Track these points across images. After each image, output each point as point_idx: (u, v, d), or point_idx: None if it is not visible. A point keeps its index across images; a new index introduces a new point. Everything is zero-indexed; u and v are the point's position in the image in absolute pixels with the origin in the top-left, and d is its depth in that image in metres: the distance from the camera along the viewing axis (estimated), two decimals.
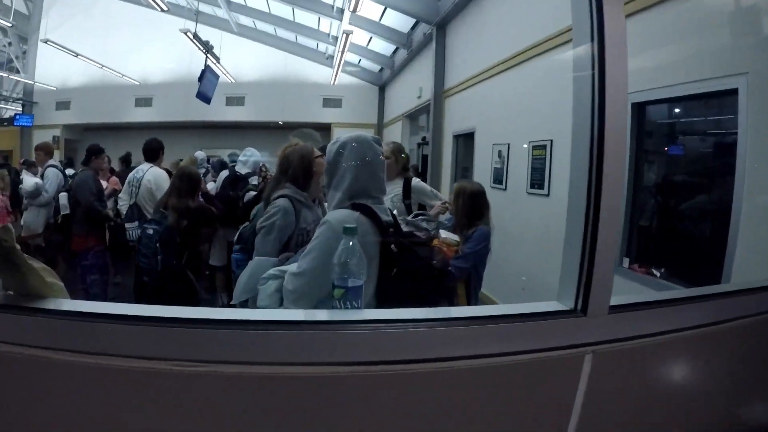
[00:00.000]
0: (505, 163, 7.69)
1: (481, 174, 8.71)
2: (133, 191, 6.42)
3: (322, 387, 1.50)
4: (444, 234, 4.26)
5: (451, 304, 3.19)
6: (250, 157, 6.99)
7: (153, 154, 6.73)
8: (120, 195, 6.74)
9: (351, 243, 1.70)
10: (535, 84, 6.86)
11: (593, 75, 1.61)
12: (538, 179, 6.61)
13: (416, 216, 4.89)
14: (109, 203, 7.08)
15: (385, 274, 2.43)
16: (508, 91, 7.84)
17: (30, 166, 8.31)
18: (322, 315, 1.68)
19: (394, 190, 4.87)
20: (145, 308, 1.57)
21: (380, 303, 2.39)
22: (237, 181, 6.74)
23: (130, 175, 6.65)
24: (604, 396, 1.71)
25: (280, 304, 2.39)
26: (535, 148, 6.67)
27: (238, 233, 3.91)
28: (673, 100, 4.69)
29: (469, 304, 4.04)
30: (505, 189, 7.70)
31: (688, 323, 1.82)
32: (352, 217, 2.41)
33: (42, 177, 7.51)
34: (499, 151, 7.88)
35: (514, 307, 1.69)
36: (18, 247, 1.56)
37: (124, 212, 6.44)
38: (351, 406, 1.53)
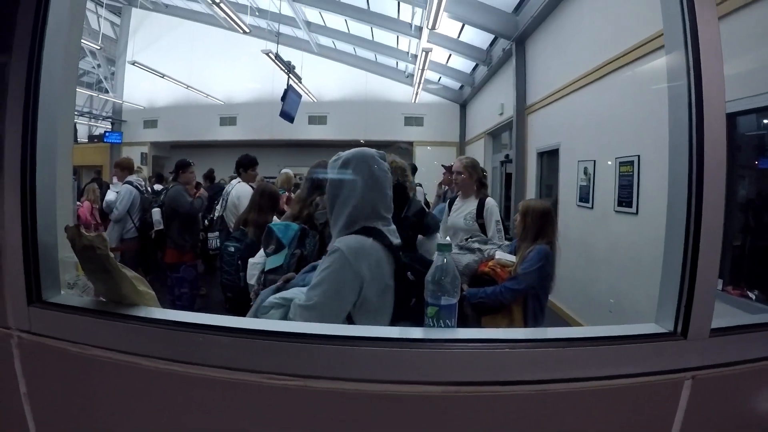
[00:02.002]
0: (592, 180, 7.43)
1: (567, 192, 8.49)
2: (222, 204, 6.68)
3: (413, 406, 1.47)
4: (499, 254, 4.10)
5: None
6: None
7: (239, 168, 7.09)
8: (216, 207, 7.10)
9: (445, 260, 1.62)
10: (621, 97, 6.63)
11: (688, 84, 1.50)
12: (625, 197, 6.34)
13: (469, 239, 4.78)
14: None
15: (402, 303, 2.27)
16: (592, 106, 7.60)
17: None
18: (416, 333, 1.61)
19: (467, 208, 4.74)
20: (236, 320, 1.61)
21: None
22: None
23: (226, 188, 7.08)
24: (704, 424, 1.58)
25: None
26: (621, 164, 6.41)
27: (310, 256, 3.84)
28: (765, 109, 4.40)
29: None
30: (592, 207, 7.44)
31: None
32: (365, 244, 2.25)
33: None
34: (585, 168, 7.62)
35: (610, 329, 1.60)
36: (112, 255, 1.64)
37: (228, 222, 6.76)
38: (441, 427, 1.48)
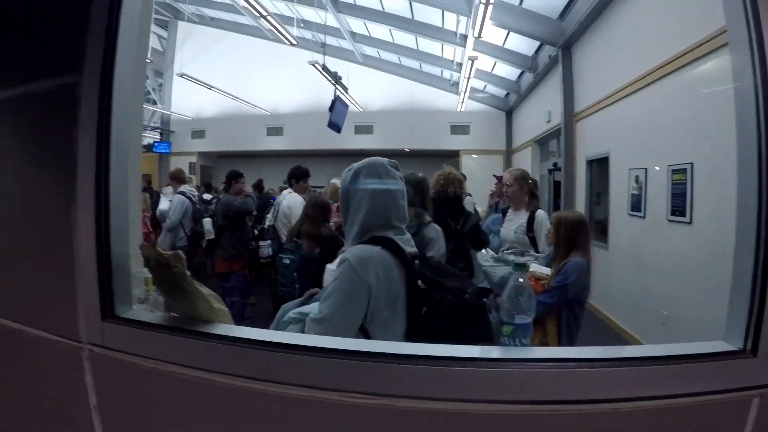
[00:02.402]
0: (643, 188, 7.27)
1: (618, 200, 8.34)
2: (273, 213, 6.87)
3: (495, 425, 1.47)
4: (534, 267, 4.01)
5: (490, 342, 2.62)
6: None
7: (291, 179, 7.22)
8: (267, 216, 7.20)
9: (521, 279, 1.62)
10: (673, 103, 6.46)
11: (755, 86, 1.44)
12: (679, 206, 6.17)
13: (507, 250, 4.70)
14: (249, 224, 7.60)
15: (413, 313, 2.27)
16: (642, 112, 7.44)
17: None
18: (495, 352, 1.62)
19: (518, 220, 4.67)
20: (316, 339, 1.68)
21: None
22: None
23: (278, 198, 7.26)
24: None
25: None
26: (674, 172, 6.24)
27: None
28: None
29: (560, 344, 3.73)
30: (644, 217, 7.27)
31: None
32: (373, 253, 2.25)
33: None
34: (636, 176, 7.46)
35: (679, 347, 1.55)
36: (188, 273, 1.65)
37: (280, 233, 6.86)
38: None
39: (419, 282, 2.28)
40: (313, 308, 2.31)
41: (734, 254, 1.55)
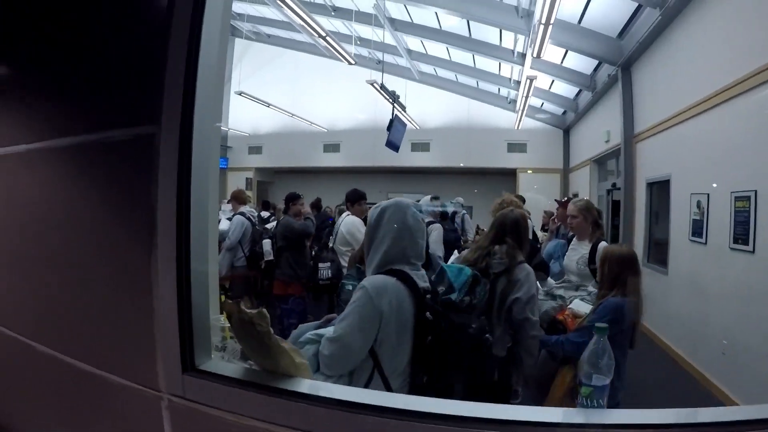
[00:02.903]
0: (705, 214, 7.08)
1: (679, 225, 8.14)
2: (333, 235, 7.01)
3: None
4: (575, 304, 3.91)
5: (490, 375, 3.12)
6: (426, 208, 7.12)
7: (347, 202, 7.20)
8: (332, 237, 7.32)
9: (602, 340, 1.64)
10: (736, 127, 6.31)
11: None
12: (741, 233, 6.01)
13: (559, 283, 4.61)
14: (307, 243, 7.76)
15: (419, 342, 2.51)
16: (706, 135, 7.27)
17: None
18: (578, 417, 1.58)
19: (581, 251, 4.60)
20: (415, 401, 1.57)
21: (415, 372, 2.52)
22: None
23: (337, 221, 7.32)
24: None
25: (317, 370, 2.39)
26: (737, 199, 6.07)
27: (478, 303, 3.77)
28: None
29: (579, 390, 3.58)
30: (705, 243, 7.08)
31: None
32: (388, 283, 2.51)
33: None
34: (698, 201, 7.28)
35: (757, 410, 1.50)
36: (272, 331, 1.66)
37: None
38: None
39: (427, 313, 2.52)
40: (328, 331, 2.51)
41: None
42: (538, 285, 4.40)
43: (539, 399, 3.90)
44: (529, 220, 6.26)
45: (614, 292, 3.64)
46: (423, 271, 2.71)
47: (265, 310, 1.65)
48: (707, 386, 6.66)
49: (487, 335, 2.78)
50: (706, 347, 6.85)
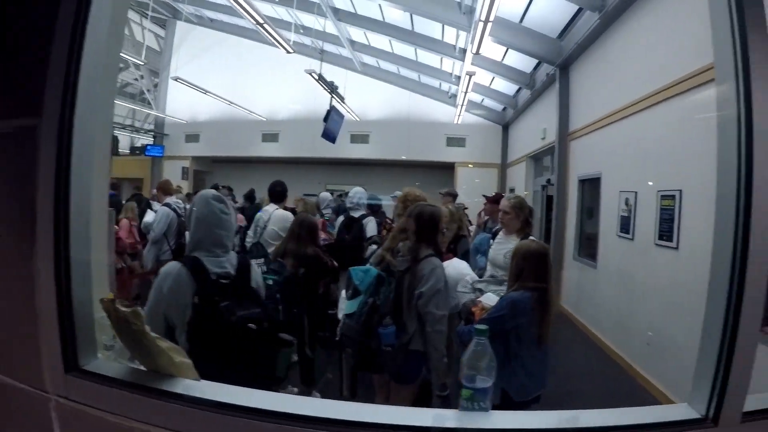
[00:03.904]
0: (633, 211, 7.36)
1: (608, 221, 8.43)
2: (258, 231, 6.65)
3: None
4: (485, 297, 3.97)
5: (270, 366, 3.03)
6: (359, 200, 7.05)
7: (279, 196, 7.04)
8: (249, 233, 7.08)
9: (482, 341, 1.63)
10: (665, 129, 6.54)
11: (738, 119, 1.46)
12: (666, 231, 6.26)
13: (482, 279, 4.71)
14: (235, 239, 7.38)
15: (199, 327, 2.72)
16: (635, 136, 7.53)
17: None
18: (450, 420, 1.60)
19: (509, 245, 4.71)
20: (284, 403, 1.58)
21: (193, 356, 2.36)
22: (351, 225, 6.82)
23: (258, 214, 7.01)
24: None
25: None
26: (663, 197, 6.33)
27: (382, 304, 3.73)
28: None
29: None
30: (632, 239, 7.36)
31: None
32: (172, 268, 2.85)
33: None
34: (626, 199, 7.55)
35: (643, 413, 1.55)
36: (148, 329, 1.65)
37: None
38: None
39: (195, 298, 2.75)
40: None
41: (704, 320, 1.57)
42: (468, 279, 4.51)
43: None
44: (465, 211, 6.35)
45: (516, 286, 3.68)
46: (225, 258, 2.94)
47: (140, 309, 1.64)
48: (634, 376, 6.91)
49: (250, 324, 2.79)
50: (633, 338, 7.10)
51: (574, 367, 7.53)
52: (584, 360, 8.01)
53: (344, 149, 19.56)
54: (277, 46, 12.95)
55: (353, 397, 4.04)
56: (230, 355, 2.73)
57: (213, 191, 3.16)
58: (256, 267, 3.34)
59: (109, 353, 1.86)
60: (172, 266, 2.90)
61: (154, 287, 2.87)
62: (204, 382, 1.71)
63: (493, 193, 7.55)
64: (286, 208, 7.17)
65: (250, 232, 7.02)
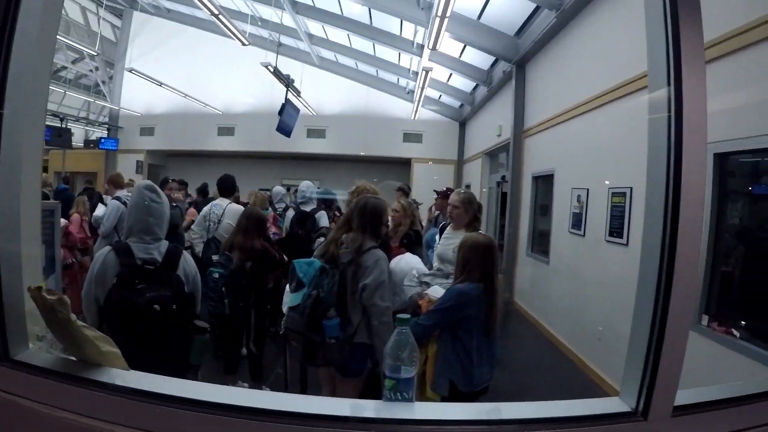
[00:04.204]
0: (584, 208, 7.46)
1: (560, 217, 8.55)
2: (211, 226, 6.51)
3: None
4: (432, 290, 4.00)
5: (183, 351, 3.16)
6: (310, 194, 7.02)
7: (228, 190, 6.90)
8: (192, 227, 6.83)
9: (404, 331, 1.62)
10: (617, 128, 6.66)
11: (668, 129, 1.48)
12: (617, 227, 6.37)
13: (434, 270, 4.74)
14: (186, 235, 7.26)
15: (111, 307, 2.96)
16: (588, 134, 7.64)
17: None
18: (369, 410, 1.59)
19: (458, 240, 4.73)
20: (201, 392, 1.56)
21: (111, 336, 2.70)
22: (304, 220, 6.77)
23: (206, 209, 6.85)
24: None
25: None
26: (614, 195, 6.43)
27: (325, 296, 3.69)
28: (758, 151, 4.39)
29: (435, 369, 3.69)
30: (584, 235, 7.46)
31: (764, 421, 1.63)
32: (103, 252, 3.18)
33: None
34: (579, 196, 7.66)
35: (572, 406, 1.55)
36: (74, 318, 1.62)
37: (196, 245, 6.62)
38: None
39: (114, 279, 3.00)
40: None
41: (633, 315, 1.60)
42: (415, 272, 4.51)
43: None
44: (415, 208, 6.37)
45: (462, 277, 3.71)
46: (154, 245, 3.21)
47: (66, 297, 1.61)
48: (586, 371, 7.01)
49: (155, 306, 2.95)
50: (584, 333, 7.20)
51: (526, 361, 7.61)
52: (536, 355, 8.10)
53: (301, 144, 19.49)
54: (233, 38, 12.81)
55: (303, 391, 4.03)
56: (141, 336, 2.87)
57: (147, 181, 3.41)
58: (190, 258, 3.49)
59: (41, 344, 1.83)
60: (104, 251, 3.20)
61: (89, 270, 3.18)
62: (132, 372, 1.70)
63: (444, 189, 7.58)
64: (239, 202, 7.09)
65: (195, 227, 6.88)
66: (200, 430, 1.44)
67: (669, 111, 1.46)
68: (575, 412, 1.51)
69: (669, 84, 1.47)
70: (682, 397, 1.54)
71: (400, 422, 1.47)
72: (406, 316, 1.66)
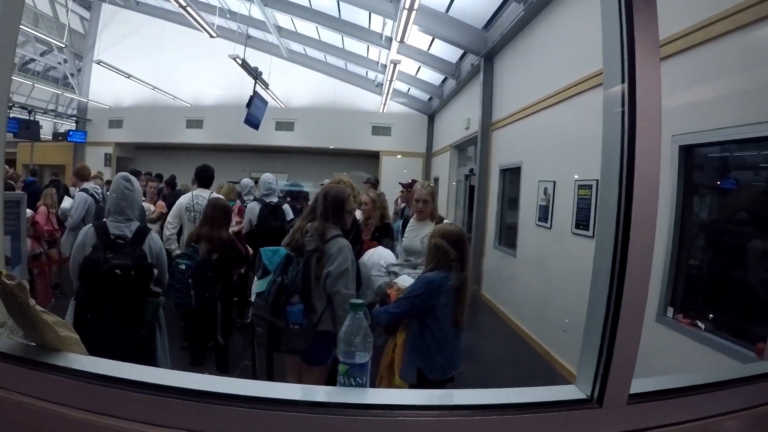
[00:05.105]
0: (551, 200, 7.52)
1: (527, 210, 8.61)
2: (195, 217, 6.41)
3: None
4: (401, 279, 4.06)
5: (139, 309, 3.92)
6: (271, 186, 7.02)
7: (207, 181, 6.92)
8: (169, 220, 6.76)
9: (357, 317, 1.64)
10: (583, 121, 6.69)
11: (622, 128, 1.50)
12: (583, 220, 6.43)
13: (401, 261, 4.79)
14: (155, 227, 7.13)
15: (85, 272, 3.73)
16: (555, 127, 7.70)
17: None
18: (320, 395, 1.60)
19: (424, 230, 4.77)
20: (152, 375, 1.56)
21: (84, 298, 3.77)
22: (276, 211, 6.77)
23: (185, 200, 6.77)
24: None
25: None
26: (580, 187, 6.49)
27: (291, 284, 3.73)
28: (723, 143, 4.46)
29: (404, 357, 3.73)
30: (551, 228, 7.53)
31: (720, 410, 1.67)
32: (84, 228, 4.01)
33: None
34: (545, 189, 7.72)
35: (526, 393, 1.57)
36: (33, 303, 1.61)
37: (172, 237, 6.58)
38: None
39: (90, 249, 3.80)
40: None
41: (588, 303, 1.61)
42: (383, 263, 4.54)
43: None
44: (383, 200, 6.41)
45: (432, 266, 3.75)
46: (126, 225, 3.94)
47: (25, 282, 1.60)
48: (551, 361, 7.10)
49: (116, 270, 3.69)
50: (550, 325, 7.27)
51: (493, 353, 7.67)
52: (503, 346, 8.18)
53: (269, 136, 19.42)
54: (201, 31, 12.71)
55: (270, 379, 4.05)
56: (106, 294, 3.70)
57: (125, 173, 4.17)
58: (156, 237, 4.21)
59: (1, 330, 1.83)
60: (86, 227, 4.01)
61: (76, 241, 3.96)
62: (90, 357, 1.69)
63: (409, 181, 7.61)
64: None
65: (172, 220, 6.74)
66: (151, 412, 1.44)
67: (623, 105, 1.48)
68: (530, 398, 1.53)
69: (623, 72, 1.50)
70: (640, 386, 1.57)
71: (351, 407, 1.47)
72: (360, 301, 1.69)
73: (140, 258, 3.86)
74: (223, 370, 5.34)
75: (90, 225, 4.00)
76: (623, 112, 1.48)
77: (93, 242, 3.80)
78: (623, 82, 1.50)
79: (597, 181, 6.12)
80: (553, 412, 1.49)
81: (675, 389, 1.65)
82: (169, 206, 7.57)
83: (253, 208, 6.92)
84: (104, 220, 3.97)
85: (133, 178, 4.12)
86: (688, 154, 4.76)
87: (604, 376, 1.49)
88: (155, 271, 4.04)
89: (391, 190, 10.07)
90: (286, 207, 6.96)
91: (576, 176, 6.70)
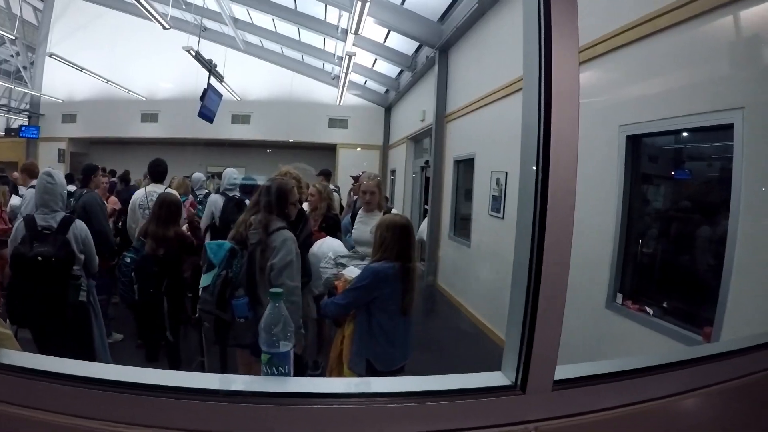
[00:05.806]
0: (503, 191, 7.58)
1: (480, 201, 8.67)
2: (146, 213, 6.32)
3: None
4: (348, 270, 4.08)
5: (63, 292, 4.37)
6: (234, 181, 6.94)
7: (160, 176, 6.83)
8: (129, 223, 6.67)
9: (277, 306, 1.64)
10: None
11: (539, 130, 1.69)
12: None
13: (354, 252, 4.82)
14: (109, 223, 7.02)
15: (15, 260, 4.22)
16: (507, 119, 7.73)
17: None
18: (238, 384, 1.65)
19: (373, 221, 4.78)
20: (78, 368, 1.54)
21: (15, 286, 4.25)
22: (241, 205, 6.73)
23: (139, 197, 6.67)
24: None
25: None
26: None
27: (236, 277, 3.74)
28: (668, 133, 4.55)
29: (352, 348, 3.76)
30: (503, 218, 7.60)
31: (643, 396, 1.70)
32: (16, 223, 4.53)
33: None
34: (498, 179, 7.77)
35: (450, 380, 1.59)
36: None
37: (130, 234, 6.48)
38: None
39: (20, 239, 4.22)
40: None
41: (510, 291, 1.65)
42: (331, 255, 4.55)
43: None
44: (336, 194, 6.42)
45: (378, 256, 3.74)
46: (51, 216, 4.35)
47: None
48: None
49: (39, 258, 4.15)
50: (504, 313, 7.29)
51: (447, 342, 7.72)
52: (458, 336, 8.23)
53: (225, 130, 19.21)
54: (155, 22, 12.52)
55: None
56: (33, 280, 4.17)
57: (48, 169, 4.60)
58: (81, 224, 4.62)
59: None
60: (18, 221, 4.45)
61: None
62: (22, 353, 1.71)
63: (360, 173, 7.64)
64: None
65: (131, 222, 6.63)
66: (77, 404, 1.43)
67: (539, 97, 1.57)
68: (452, 385, 1.54)
69: (540, 62, 1.61)
70: (567, 372, 1.59)
71: (270, 395, 1.48)
72: (279, 290, 1.69)
73: (63, 246, 4.34)
74: (175, 365, 5.29)
75: (21, 219, 4.48)
76: (539, 93, 1.50)
77: (23, 234, 4.26)
78: (540, 63, 1.60)
79: None
80: (476, 399, 1.50)
81: (605, 374, 1.68)
82: (123, 202, 7.44)
83: (216, 201, 6.78)
84: (32, 213, 4.42)
85: (55, 172, 4.62)
86: (635, 144, 4.84)
87: (526, 363, 1.50)
88: (82, 257, 4.56)
89: (347, 182, 10.06)
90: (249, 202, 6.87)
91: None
